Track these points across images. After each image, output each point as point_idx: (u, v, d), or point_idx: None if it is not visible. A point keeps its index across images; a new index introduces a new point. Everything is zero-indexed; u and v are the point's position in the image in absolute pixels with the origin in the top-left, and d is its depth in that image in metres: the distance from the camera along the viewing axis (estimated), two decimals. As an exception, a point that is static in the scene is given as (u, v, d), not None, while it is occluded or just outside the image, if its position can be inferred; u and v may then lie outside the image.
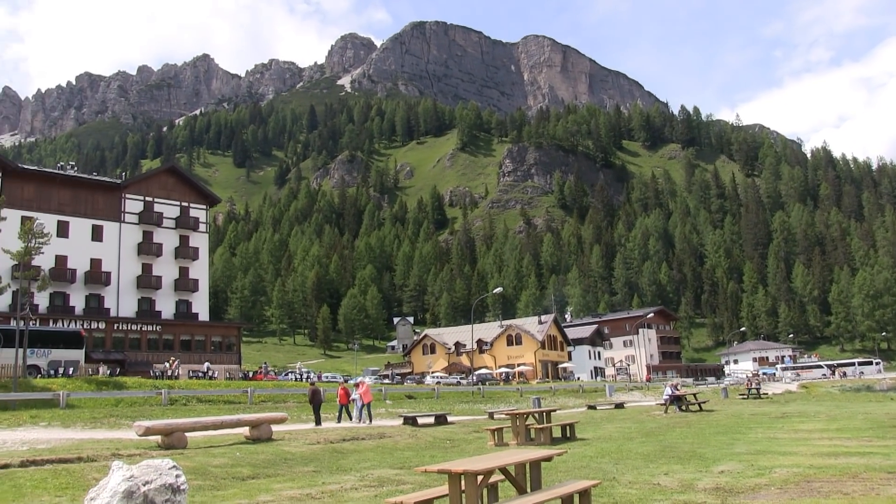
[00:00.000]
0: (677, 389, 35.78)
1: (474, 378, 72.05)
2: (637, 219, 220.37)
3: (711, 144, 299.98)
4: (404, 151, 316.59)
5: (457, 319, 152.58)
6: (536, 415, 23.89)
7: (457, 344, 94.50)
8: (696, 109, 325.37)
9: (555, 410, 27.87)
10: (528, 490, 10.40)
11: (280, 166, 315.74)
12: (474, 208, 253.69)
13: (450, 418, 30.23)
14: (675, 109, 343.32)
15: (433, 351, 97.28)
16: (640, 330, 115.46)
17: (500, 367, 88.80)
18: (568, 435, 22.81)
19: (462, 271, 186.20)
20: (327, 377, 73.34)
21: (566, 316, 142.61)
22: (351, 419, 29.76)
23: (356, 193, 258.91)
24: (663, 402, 34.74)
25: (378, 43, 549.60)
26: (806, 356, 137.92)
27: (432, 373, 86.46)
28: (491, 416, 32.21)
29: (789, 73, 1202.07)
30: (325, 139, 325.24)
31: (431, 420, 28.87)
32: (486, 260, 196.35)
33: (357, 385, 32.44)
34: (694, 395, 37.62)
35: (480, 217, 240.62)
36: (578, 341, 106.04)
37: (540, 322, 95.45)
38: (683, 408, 34.14)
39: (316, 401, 29.35)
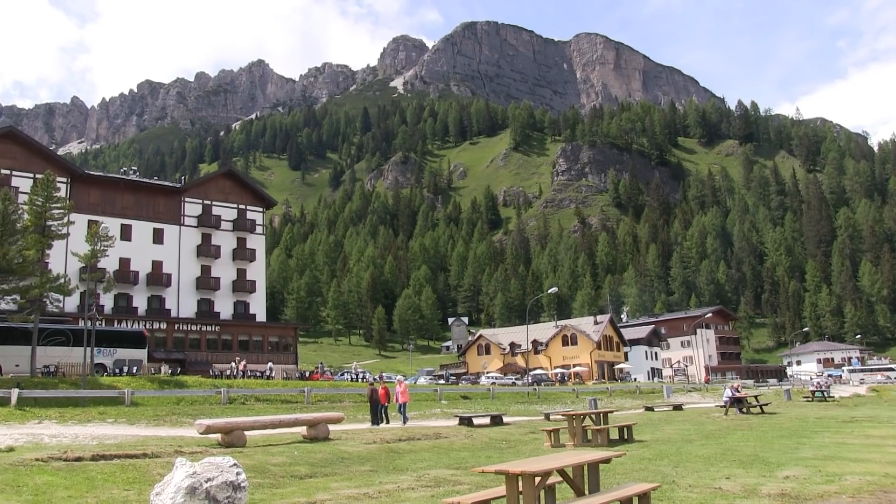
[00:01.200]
0: (738, 391, 35.07)
1: (529, 379, 71.76)
2: (694, 217, 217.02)
3: (770, 140, 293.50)
4: (457, 152, 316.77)
5: (511, 320, 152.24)
6: (593, 416, 23.66)
7: (511, 344, 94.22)
8: (753, 104, 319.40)
9: (612, 412, 27.57)
10: (586, 492, 10.29)
11: (334, 168, 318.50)
12: (528, 208, 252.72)
13: (505, 419, 30.12)
14: (732, 104, 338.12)
15: (488, 351, 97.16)
16: (698, 330, 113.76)
17: (555, 367, 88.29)
18: (625, 437, 22.54)
19: (516, 271, 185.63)
20: (389, 377, 73.63)
21: (622, 316, 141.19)
22: (387, 421, 29.16)
23: (410, 194, 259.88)
24: (723, 403, 34.12)
25: (430, 44, 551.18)
26: (875, 358, 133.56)
27: (487, 373, 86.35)
28: (547, 416, 32.03)
29: (854, 63, 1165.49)
30: (379, 141, 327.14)
31: (487, 420, 28.80)
32: (541, 260, 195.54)
33: (396, 384, 32.37)
34: (755, 396, 36.78)
35: (534, 217, 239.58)
36: (635, 342, 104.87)
37: (595, 322, 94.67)
38: (744, 410, 33.44)
39: (373, 400, 29.46)
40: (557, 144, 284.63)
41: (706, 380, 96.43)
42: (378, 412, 29.19)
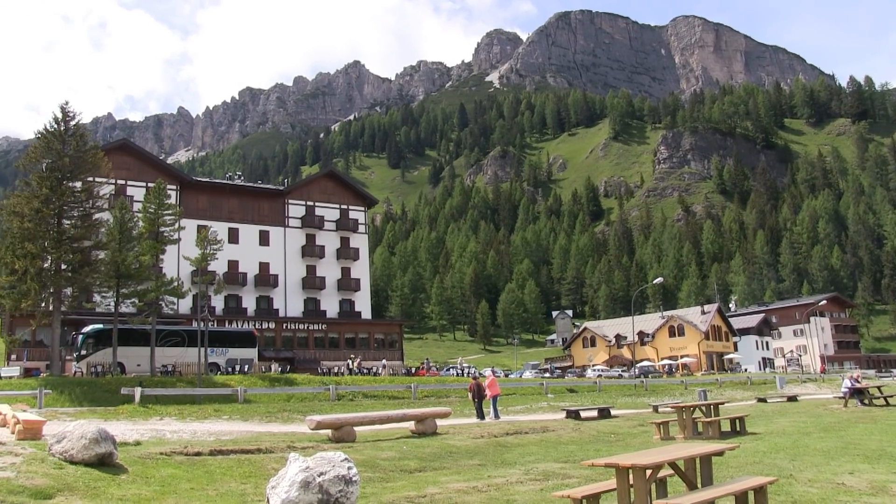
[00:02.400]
0: (858, 382, 33.57)
1: (636, 371, 70.59)
2: (804, 201, 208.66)
3: (888, 116, 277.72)
4: (556, 144, 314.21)
5: (616, 311, 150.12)
6: (703, 408, 23.12)
7: (617, 336, 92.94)
8: (867, 79, 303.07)
9: (722, 403, 26.85)
10: (699, 486, 10.06)
11: (433, 165, 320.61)
12: (630, 198, 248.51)
13: (613, 412, 29.75)
14: (843, 81, 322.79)
15: (593, 344, 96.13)
16: (812, 318, 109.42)
17: (662, 359, 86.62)
18: (737, 429, 21.88)
19: (620, 262, 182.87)
20: (497, 372, 73.72)
21: (730, 305, 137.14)
22: (480, 416, 28.77)
23: (510, 188, 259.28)
24: (842, 395, 32.76)
25: (524, 37, 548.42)
26: None
27: (593, 366, 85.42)
28: (655, 409, 31.45)
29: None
30: (477, 136, 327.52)
31: (594, 413, 28.50)
32: (645, 250, 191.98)
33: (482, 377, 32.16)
34: (878, 387, 35.03)
35: (637, 206, 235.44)
36: (744, 331, 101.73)
37: (703, 312, 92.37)
38: (866, 402, 31.92)
39: (478, 395, 29.48)
40: (658, 132, 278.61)
41: (822, 370, 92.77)
42: (480, 407, 29.21)
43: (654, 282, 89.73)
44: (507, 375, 73.67)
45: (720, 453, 10.60)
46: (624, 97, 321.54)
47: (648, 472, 9.01)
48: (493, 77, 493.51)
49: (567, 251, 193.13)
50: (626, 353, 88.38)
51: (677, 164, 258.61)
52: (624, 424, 25.41)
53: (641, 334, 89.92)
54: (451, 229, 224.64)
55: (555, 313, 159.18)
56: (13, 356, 53.43)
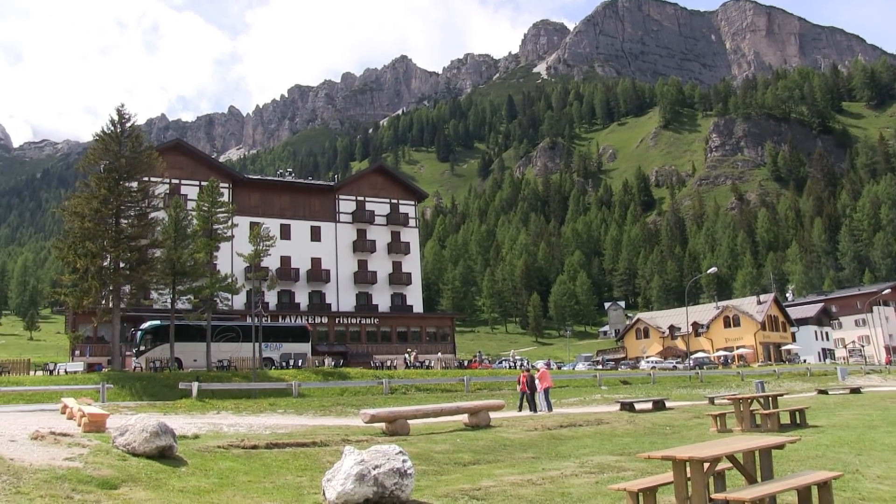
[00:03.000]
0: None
1: (691, 362, 69.71)
2: (864, 186, 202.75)
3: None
4: (605, 134, 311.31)
5: (669, 302, 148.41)
6: (761, 399, 22.71)
7: (671, 327, 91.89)
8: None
9: (781, 395, 26.35)
10: (759, 479, 9.87)
11: (483, 158, 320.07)
12: (682, 187, 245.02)
13: (668, 404, 29.40)
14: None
15: (646, 335, 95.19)
16: (875, 308, 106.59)
17: (717, 350, 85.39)
18: (798, 421, 21.45)
19: (672, 253, 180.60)
20: (548, 363, 73.43)
21: (787, 295, 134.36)
22: (535, 409, 28.80)
23: (560, 180, 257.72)
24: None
25: (571, 26, 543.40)
26: None
27: (646, 357, 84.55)
28: (711, 401, 31.00)
29: None
30: (526, 128, 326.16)
31: (649, 406, 28.21)
32: (698, 240, 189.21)
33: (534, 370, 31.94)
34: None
35: (689, 196, 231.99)
36: (802, 321, 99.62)
37: (759, 302, 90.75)
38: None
39: (532, 388, 29.40)
40: (709, 119, 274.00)
41: (887, 361, 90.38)
42: (532, 399, 29.15)
43: (708, 272, 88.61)
44: (559, 368, 73.34)
45: (781, 446, 10.37)
46: (674, 85, 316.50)
47: (706, 465, 8.88)
48: (541, 68, 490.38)
49: (618, 242, 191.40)
50: (680, 344, 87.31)
51: (730, 151, 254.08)
52: (679, 416, 25.10)
53: (696, 325, 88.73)
54: (501, 222, 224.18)
55: (607, 305, 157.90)
56: (77, 352, 54.96)
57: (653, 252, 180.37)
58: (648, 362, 77.18)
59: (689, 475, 8.92)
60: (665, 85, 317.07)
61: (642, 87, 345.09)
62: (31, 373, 48.29)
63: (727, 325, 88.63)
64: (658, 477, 9.94)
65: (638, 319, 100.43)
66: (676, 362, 77.24)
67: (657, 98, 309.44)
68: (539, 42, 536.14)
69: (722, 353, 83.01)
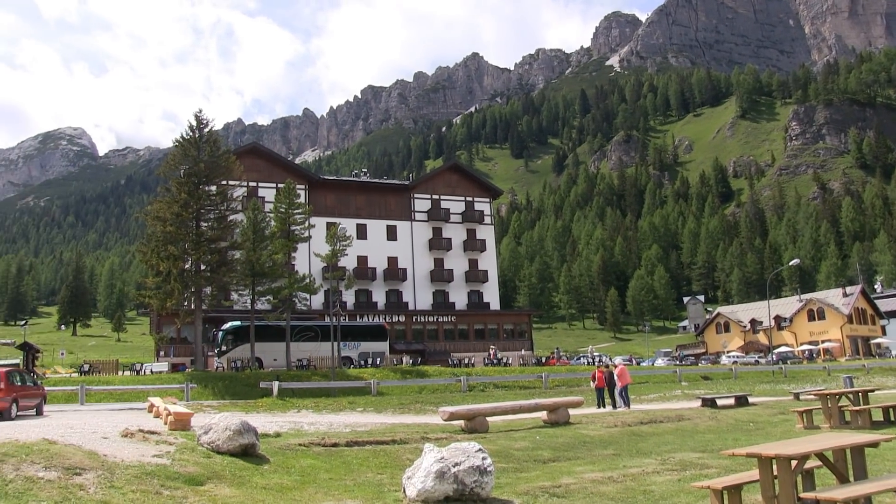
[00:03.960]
0: None
1: (774, 357, 67.94)
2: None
3: None
4: (681, 125, 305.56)
5: (750, 295, 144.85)
6: (851, 395, 21.92)
7: (752, 321, 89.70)
8: None
9: (872, 391, 25.36)
10: (851, 479, 9.52)
11: (557, 153, 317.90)
12: (761, 177, 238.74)
13: (750, 399, 28.70)
14: None
15: (727, 329, 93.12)
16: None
17: (801, 344, 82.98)
18: (892, 419, 20.60)
19: (752, 245, 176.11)
20: (627, 359, 72.70)
21: (875, 286, 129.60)
22: (614, 405, 28.48)
23: (635, 173, 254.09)
24: None
25: (643, 18, 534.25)
26: None
27: (727, 352, 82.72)
28: (797, 396, 30.09)
29: None
30: (599, 122, 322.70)
31: (731, 401, 27.59)
32: (779, 231, 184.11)
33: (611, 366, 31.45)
34: None
35: (768, 186, 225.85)
36: (893, 314, 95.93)
37: (845, 294, 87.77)
38: None
39: (611, 384, 29.07)
40: (789, 107, 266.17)
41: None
42: (612, 395, 28.83)
43: (790, 264, 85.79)
44: (638, 363, 72.42)
45: (875, 444, 9.98)
46: (750, 73, 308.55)
47: (794, 462, 8.61)
48: (614, 61, 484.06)
49: (696, 235, 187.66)
50: (762, 338, 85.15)
51: (811, 139, 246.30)
52: (763, 412, 24.46)
53: (778, 319, 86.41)
54: (576, 217, 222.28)
55: (686, 299, 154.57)
56: (161, 352, 56.57)
57: (732, 244, 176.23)
58: (729, 357, 75.54)
59: (775, 473, 8.67)
60: (741, 73, 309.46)
61: (718, 76, 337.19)
62: (120, 373, 50.05)
63: (811, 318, 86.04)
64: (743, 475, 9.70)
65: (718, 314, 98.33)
66: (759, 357, 75.46)
67: (733, 87, 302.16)
68: (611, 35, 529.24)
69: (806, 347, 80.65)
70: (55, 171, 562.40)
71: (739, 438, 18.16)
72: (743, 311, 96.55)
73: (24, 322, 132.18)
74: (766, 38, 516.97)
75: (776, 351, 72.88)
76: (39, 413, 25.48)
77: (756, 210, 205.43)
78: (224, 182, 47.62)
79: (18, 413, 23.46)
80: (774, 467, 8.69)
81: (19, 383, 24.28)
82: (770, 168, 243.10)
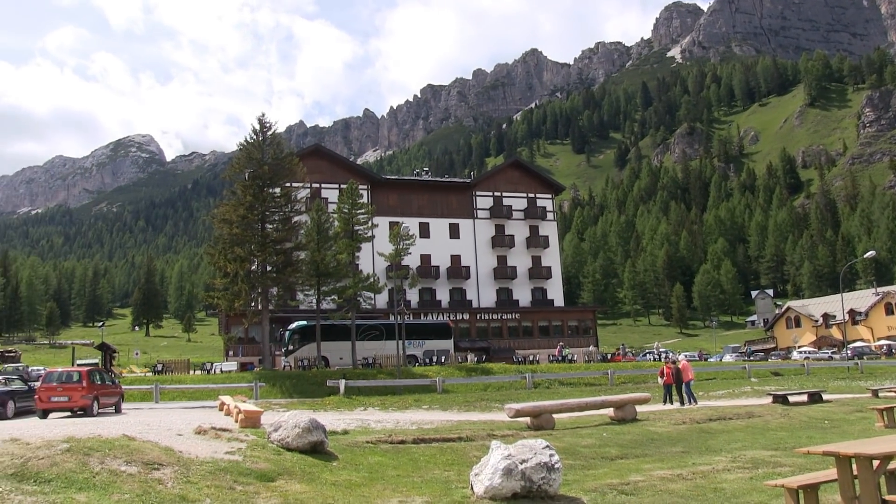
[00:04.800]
0: None
1: (849, 352, 66.10)
2: None
3: None
4: (746, 116, 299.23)
5: (822, 289, 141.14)
6: (934, 391, 21.23)
7: (825, 315, 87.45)
8: None
9: (956, 385, 24.56)
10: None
11: (619, 148, 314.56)
12: (832, 167, 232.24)
13: (825, 396, 27.97)
14: None
15: (798, 324, 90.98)
16: None
17: (878, 339, 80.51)
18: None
19: (824, 237, 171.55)
20: (694, 356, 71.55)
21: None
22: (682, 402, 28.07)
23: (699, 166, 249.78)
24: None
25: (704, 7, 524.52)
26: None
27: (798, 347, 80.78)
28: (875, 393, 29.23)
29: None
30: (662, 114, 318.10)
31: (804, 398, 26.96)
32: (851, 222, 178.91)
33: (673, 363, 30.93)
34: None
35: (840, 176, 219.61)
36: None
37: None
38: None
39: (678, 380, 28.68)
40: (861, 93, 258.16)
41: None
42: (680, 391, 28.46)
43: (865, 256, 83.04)
44: (705, 359, 71.28)
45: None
46: (820, 59, 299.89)
47: (876, 462, 8.37)
48: (675, 52, 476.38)
49: (764, 228, 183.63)
50: (835, 333, 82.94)
51: (886, 126, 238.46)
52: (838, 410, 23.83)
53: (853, 313, 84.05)
54: (640, 212, 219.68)
55: (754, 293, 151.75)
56: (230, 352, 57.75)
57: (802, 237, 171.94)
58: (801, 353, 73.79)
59: (855, 473, 8.45)
60: (810, 60, 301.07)
61: (784, 64, 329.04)
62: (191, 372, 51.29)
63: (889, 311, 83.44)
64: (820, 474, 9.48)
65: (788, 308, 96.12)
66: (832, 352, 73.51)
67: (801, 75, 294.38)
68: (672, 25, 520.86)
69: (884, 342, 78.19)
70: (126, 177, 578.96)
71: (814, 436, 17.76)
72: (814, 306, 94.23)
73: (101, 323, 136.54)
74: (836, 21, 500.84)
75: (851, 346, 70.84)
76: (118, 410, 26.37)
77: (827, 201, 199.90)
78: (288, 184, 48.32)
79: (99, 410, 24.46)
80: (854, 467, 8.47)
81: (99, 382, 25.35)
82: (841, 157, 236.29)
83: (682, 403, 27.69)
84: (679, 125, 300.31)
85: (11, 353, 70.48)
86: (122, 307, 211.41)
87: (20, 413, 24.69)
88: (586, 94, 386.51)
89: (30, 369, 54.12)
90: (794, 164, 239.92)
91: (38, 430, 14.62)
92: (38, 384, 25.13)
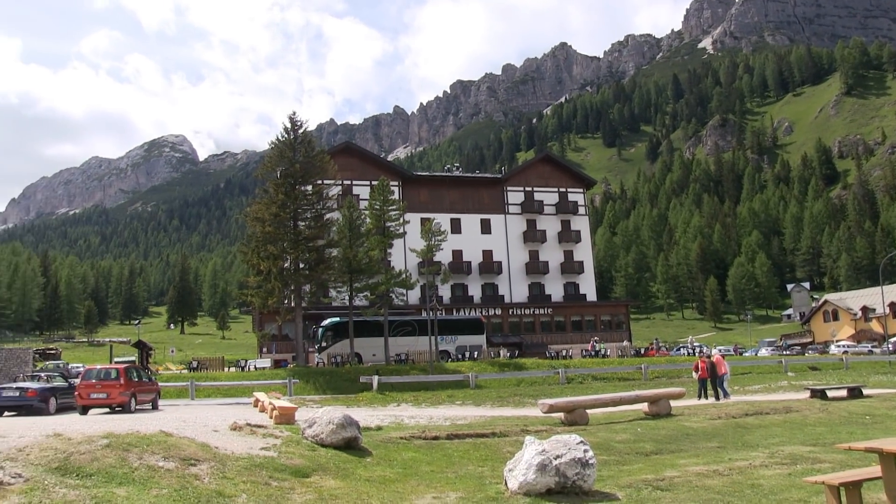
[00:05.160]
0: None
1: (890, 346, 65.05)
2: None
3: None
4: (780, 106, 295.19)
5: (860, 282, 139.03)
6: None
7: (864, 308, 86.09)
8: None
9: None
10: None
11: (650, 141, 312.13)
12: (870, 157, 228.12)
13: (865, 391, 27.55)
14: None
15: (835, 318, 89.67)
16: None
17: (920, 331, 79.14)
18: None
19: (862, 228, 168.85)
20: (729, 350, 70.92)
21: None
22: (717, 397, 27.87)
23: (732, 158, 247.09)
24: None
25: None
26: None
27: (836, 341, 79.62)
28: (916, 386, 28.80)
29: None
30: (693, 106, 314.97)
31: (843, 393, 26.57)
32: (891, 213, 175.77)
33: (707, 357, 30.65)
34: None
35: (879, 165, 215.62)
36: None
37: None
38: None
39: (713, 375, 28.45)
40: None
41: None
42: (715, 386, 28.25)
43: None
44: (740, 353, 70.57)
45: None
46: (857, 46, 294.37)
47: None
48: (706, 43, 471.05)
49: (799, 219, 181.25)
50: (875, 326, 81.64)
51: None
52: (880, 405, 23.44)
53: (893, 306, 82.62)
54: (672, 205, 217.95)
55: (789, 286, 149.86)
56: (264, 349, 58.21)
57: (839, 228, 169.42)
58: (839, 346, 72.73)
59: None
60: (846, 48, 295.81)
61: (819, 52, 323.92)
62: (225, 369, 51.78)
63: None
64: (862, 471, 9.34)
65: (825, 301, 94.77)
66: (872, 346, 72.43)
67: (837, 63, 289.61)
68: (702, 16, 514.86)
69: (926, 334, 76.95)
70: (160, 177, 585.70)
71: (854, 432, 17.50)
72: (853, 298, 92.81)
73: (137, 321, 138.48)
74: (875, 6, 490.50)
75: (892, 340, 69.72)
76: (155, 407, 26.75)
77: (865, 191, 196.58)
78: (319, 181, 48.51)
79: (137, 407, 24.85)
80: (897, 462, 8.33)
81: (136, 379, 25.76)
82: (880, 146, 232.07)
83: (718, 398, 27.47)
84: (711, 117, 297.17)
85: (52, 351, 71.64)
86: (158, 305, 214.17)
87: (61, 409, 25.24)
88: (616, 88, 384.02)
89: (70, 367, 55.03)
90: (829, 154, 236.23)
91: (78, 425, 14.90)
92: (77, 381, 25.53)
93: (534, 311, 68.49)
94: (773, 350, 76.44)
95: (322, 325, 51.69)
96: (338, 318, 50.96)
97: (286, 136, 47.73)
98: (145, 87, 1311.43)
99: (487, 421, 20.07)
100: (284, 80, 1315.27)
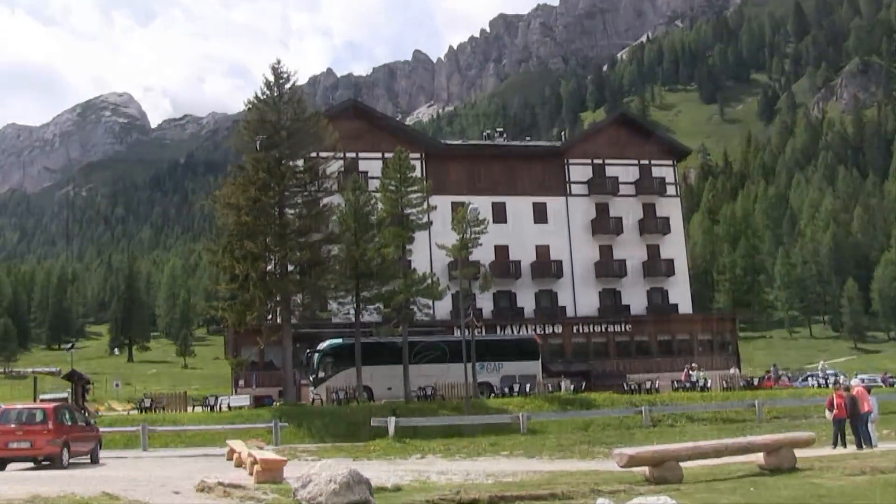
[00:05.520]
0: None
1: None
2: None
3: None
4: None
5: None
6: None
7: None
8: None
9: None
10: None
11: (764, 94, 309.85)
12: None
13: None
14: None
15: None
16: None
17: None
18: None
19: None
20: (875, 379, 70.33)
21: None
22: (860, 444, 27.35)
23: (878, 116, 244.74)
24: None
25: None
26: None
27: None
28: None
29: None
30: (823, 47, 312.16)
31: None
32: None
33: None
34: None
35: None
36: None
37: None
38: None
39: (853, 414, 28.18)
40: None
41: None
42: (855, 430, 27.95)
43: None
44: (892, 385, 69.89)
45: None
46: None
47: None
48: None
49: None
50: None
51: None
52: None
53: None
54: (795, 181, 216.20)
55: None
56: (240, 381, 58.45)
57: None
58: None
59: None
60: None
61: None
62: (189, 409, 52.14)
63: None
64: None
65: None
66: None
67: None
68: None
69: None
70: (98, 150, 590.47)
71: None
72: None
73: (69, 346, 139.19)
74: None
75: None
76: (95, 460, 27.02)
77: None
78: (314, 154, 48.70)
79: (71, 460, 25.01)
80: None
81: (70, 423, 25.94)
82: None
83: (860, 446, 27.20)
84: (848, 61, 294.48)
85: (-45, 387, 72.64)
86: (97, 323, 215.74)
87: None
88: (717, 23, 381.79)
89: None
90: None
91: (-8, 486, 15.05)
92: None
93: (606, 329, 68.22)
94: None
95: (319, 348, 51.83)
96: (340, 340, 51.08)
97: (268, 92, 47.91)
98: (77, 30, 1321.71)
99: (545, 478, 20.06)
100: (264, 18, 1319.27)
